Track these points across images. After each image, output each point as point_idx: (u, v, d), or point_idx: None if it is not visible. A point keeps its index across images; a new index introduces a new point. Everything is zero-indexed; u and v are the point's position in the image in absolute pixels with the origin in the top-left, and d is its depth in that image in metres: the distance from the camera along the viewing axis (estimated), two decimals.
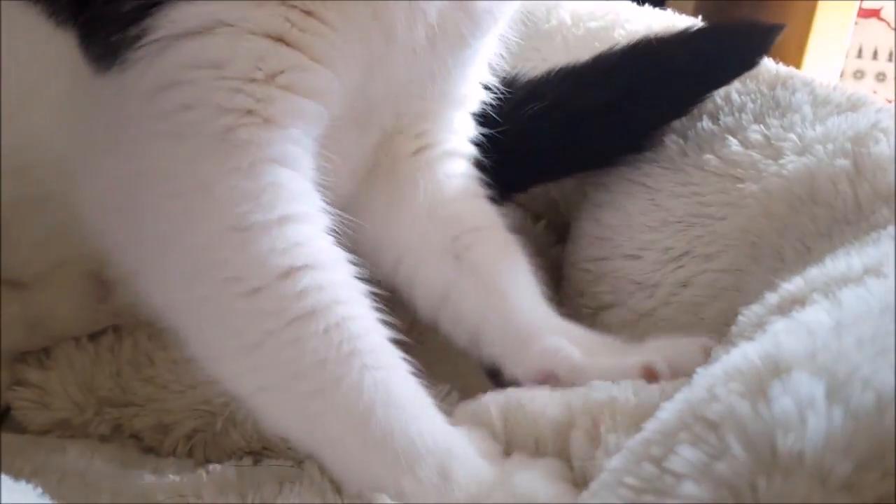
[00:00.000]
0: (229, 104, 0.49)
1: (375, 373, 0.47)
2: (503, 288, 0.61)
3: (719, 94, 0.66)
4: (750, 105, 0.63)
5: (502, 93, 0.67)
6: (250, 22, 0.49)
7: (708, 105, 0.67)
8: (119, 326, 0.64)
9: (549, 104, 0.71)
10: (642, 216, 0.64)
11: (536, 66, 0.79)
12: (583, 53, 0.75)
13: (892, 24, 2.00)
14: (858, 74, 2.02)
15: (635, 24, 0.78)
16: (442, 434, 0.48)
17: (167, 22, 0.48)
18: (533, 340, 0.58)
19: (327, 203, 0.52)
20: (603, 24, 0.80)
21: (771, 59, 0.69)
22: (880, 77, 2.02)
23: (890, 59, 2.04)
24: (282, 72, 0.50)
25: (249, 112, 0.49)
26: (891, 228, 0.44)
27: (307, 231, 0.50)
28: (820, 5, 1.56)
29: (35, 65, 0.56)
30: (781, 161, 0.55)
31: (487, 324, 0.60)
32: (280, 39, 0.50)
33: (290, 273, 0.48)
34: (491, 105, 0.67)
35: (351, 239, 0.53)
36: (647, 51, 0.70)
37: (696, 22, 0.74)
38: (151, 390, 0.61)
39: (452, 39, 0.58)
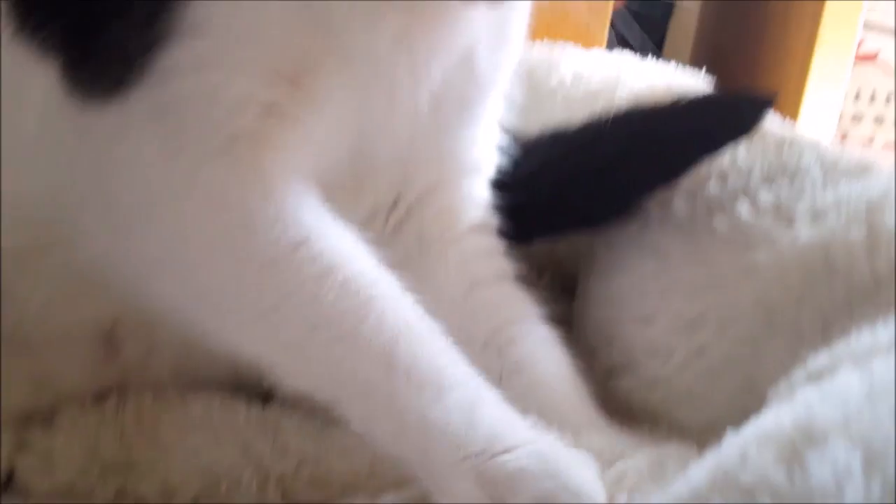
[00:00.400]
0: (225, 124, 0.55)
1: (397, 313, 0.52)
2: (553, 392, 0.65)
3: (725, 156, 0.72)
4: (758, 168, 0.68)
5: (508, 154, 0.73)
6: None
7: (715, 167, 0.72)
8: (124, 387, 0.67)
9: (540, 165, 0.77)
10: (653, 280, 0.69)
11: (539, 126, 0.84)
12: (585, 113, 0.81)
13: (893, 66, 2.10)
14: (856, 118, 2.11)
15: (637, 82, 0.84)
16: (471, 374, 0.52)
17: (166, 62, 0.54)
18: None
19: None
20: (605, 84, 0.86)
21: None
22: (878, 120, 2.11)
23: (888, 102, 2.13)
24: (276, 104, 0.56)
25: (245, 130, 0.55)
26: None
27: (315, 213, 0.55)
28: (817, 50, 1.64)
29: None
30: (794, 229, 0.61)
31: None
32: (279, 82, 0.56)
33: (302, 243, 0.53)
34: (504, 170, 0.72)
35: None
36: (638, 118, 0.75)
37: (694, 83, 0.80)
38: (156, 454, 0.64)
39: (457, 100, 0.64)
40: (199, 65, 0.55)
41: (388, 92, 0.59)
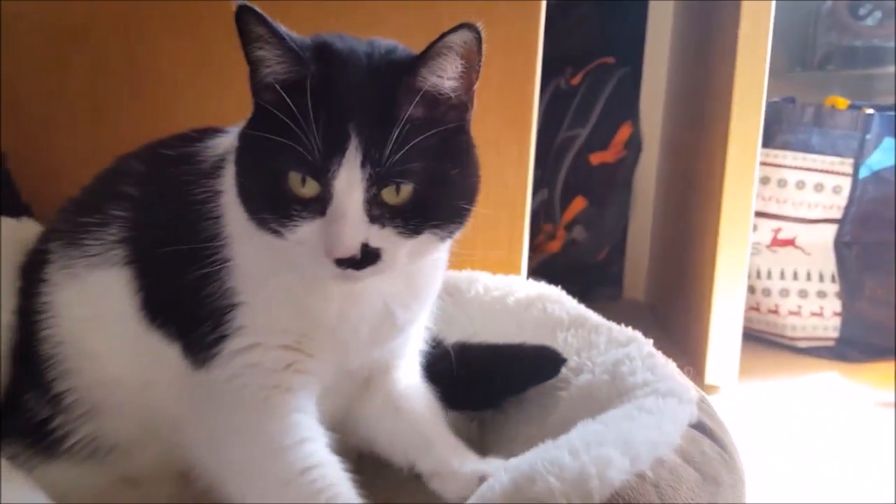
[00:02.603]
0: (266, 382, 1.00)
1: (339, 486, 0.95)
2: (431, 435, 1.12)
3: (563, 338, 1.23)
4: (575, 343, 1.20)
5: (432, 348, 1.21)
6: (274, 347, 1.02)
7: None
8: None
9: (439, 370, 1.21)
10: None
11: (463, 323, 1.37)
12: (490, 315, 1.34)
13: (809, 249, 2.57)
14: (784, 292, 2.58)
15: (520, 293, 1.37)
16: None
17: (228, 345, 1.01)
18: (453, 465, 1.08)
19: (325, 423, 1.02)
20: (500, 294, 1.39)
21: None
22: (802, 293, 2.58)
23: (808, 279, 2.59)
24: (292, 364, 1.01)
25: (276, 387, 1.00)
26: None
27: (315, 446, 0.98)
28: (721, 242, 2.17)
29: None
30: (581, 376, 1.11)
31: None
32: (291, 348, 1.02)
33: (306, 470, 0.96)
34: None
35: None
36: (480, 357, 1.25)
37: (551, 291, 1.33)
38: None
39: (384, 337, 1.08)
40: (245, 349, 1.00)
41: (339, 340, 1.03)
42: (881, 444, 1.96)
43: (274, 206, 0.92)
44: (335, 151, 0.89)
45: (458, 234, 1.00)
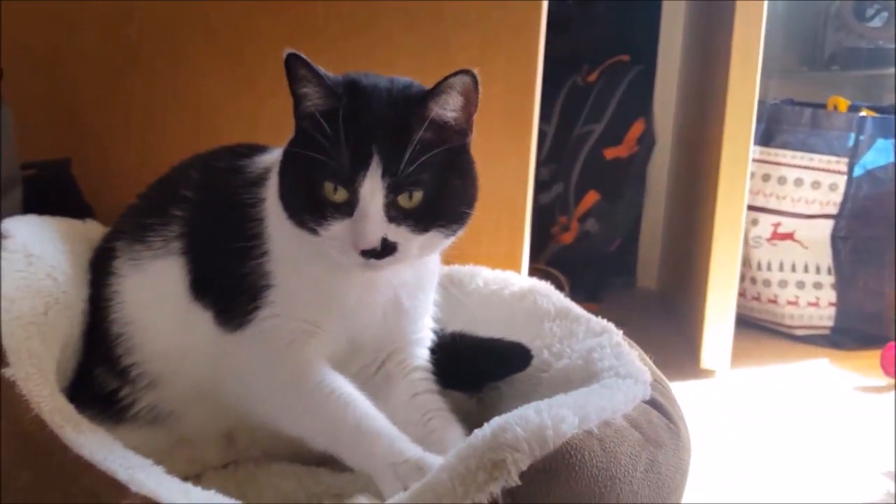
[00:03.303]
0: (288, 337, 1.21)
1: (362, 409, 1.14)
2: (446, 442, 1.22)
3: (549, 328, 1.48)
4: (558, 332, 1.45)
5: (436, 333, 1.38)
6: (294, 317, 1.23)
7: (542, 340, 1.48)
8: (238, 461, 1.38)
9: (437, 358, 1.37)
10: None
11: (464, 312, 1.59)
12: (488, 305, 1.58)
13: (807, 242, 2.77)
14: (783, 283, 2.80)
15: (515, 287, 1.61)
16: (394, 429, 1.13)
17: (260, 313, 1.23)
18: None
19: None
20: (497, 287, 1.63)
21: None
22: (800, 284, 2.78)
23: (806, 271, 2.80)
24: (308, 331, 1.23)
25: (293, 341, 1.21)
26: None
27: (328, 371, 1.19)
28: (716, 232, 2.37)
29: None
30: (561, 361, 1.37)
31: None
32: (310, 322, 1.23)
33: (320, 382, 1.17)
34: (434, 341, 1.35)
35: None
36: (469, 347, 1.44)
37: (542, 286, 1.58)
38: (256, 492, 1.37)
39: (394, 319, 1.29)
40: (272, 317, 1.22)
41: (356, 320, 1.26)
42: (859, 427, 2.15)
43: (311, 209, 1.16)
44: (361, 166, 1.13)
45: (460, 233, 1.21)
